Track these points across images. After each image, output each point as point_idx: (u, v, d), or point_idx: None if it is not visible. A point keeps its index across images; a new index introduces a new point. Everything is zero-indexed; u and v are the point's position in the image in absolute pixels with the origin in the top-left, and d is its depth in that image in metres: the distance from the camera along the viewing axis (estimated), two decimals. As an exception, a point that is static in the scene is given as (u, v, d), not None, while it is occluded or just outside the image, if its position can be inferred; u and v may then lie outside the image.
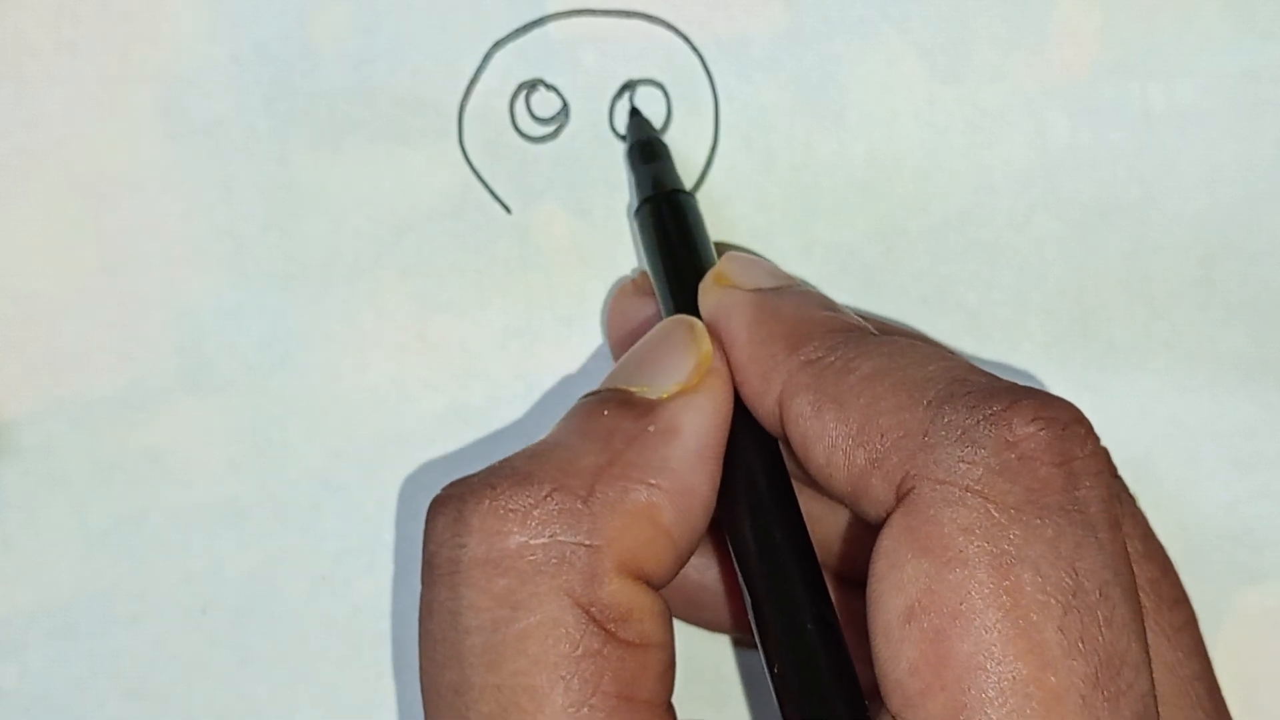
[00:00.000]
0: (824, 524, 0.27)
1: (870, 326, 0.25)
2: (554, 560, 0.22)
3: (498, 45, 0.30)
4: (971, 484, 0.21)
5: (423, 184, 0.31)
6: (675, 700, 0.23)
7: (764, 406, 0.24)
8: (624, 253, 0.31)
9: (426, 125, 0.30)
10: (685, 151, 0.31)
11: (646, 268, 0.29)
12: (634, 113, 0.30)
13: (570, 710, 0.22)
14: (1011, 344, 0.31)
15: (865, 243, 0.31)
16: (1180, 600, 0.26)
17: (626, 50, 0.30)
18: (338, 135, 0.30)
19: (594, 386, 0.31)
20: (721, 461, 0.24)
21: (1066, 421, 0.22)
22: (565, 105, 0.31)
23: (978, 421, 0.22)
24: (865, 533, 0.26)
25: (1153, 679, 0.21)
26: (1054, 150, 0.31)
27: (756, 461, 0.25)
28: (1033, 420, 0.22)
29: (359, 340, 0.31)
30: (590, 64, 0.30)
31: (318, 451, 0.31)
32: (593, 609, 0.22)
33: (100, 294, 0.31)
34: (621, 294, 0.30)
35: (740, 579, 0.24)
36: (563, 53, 0.30)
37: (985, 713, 0.20)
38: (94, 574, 0.31)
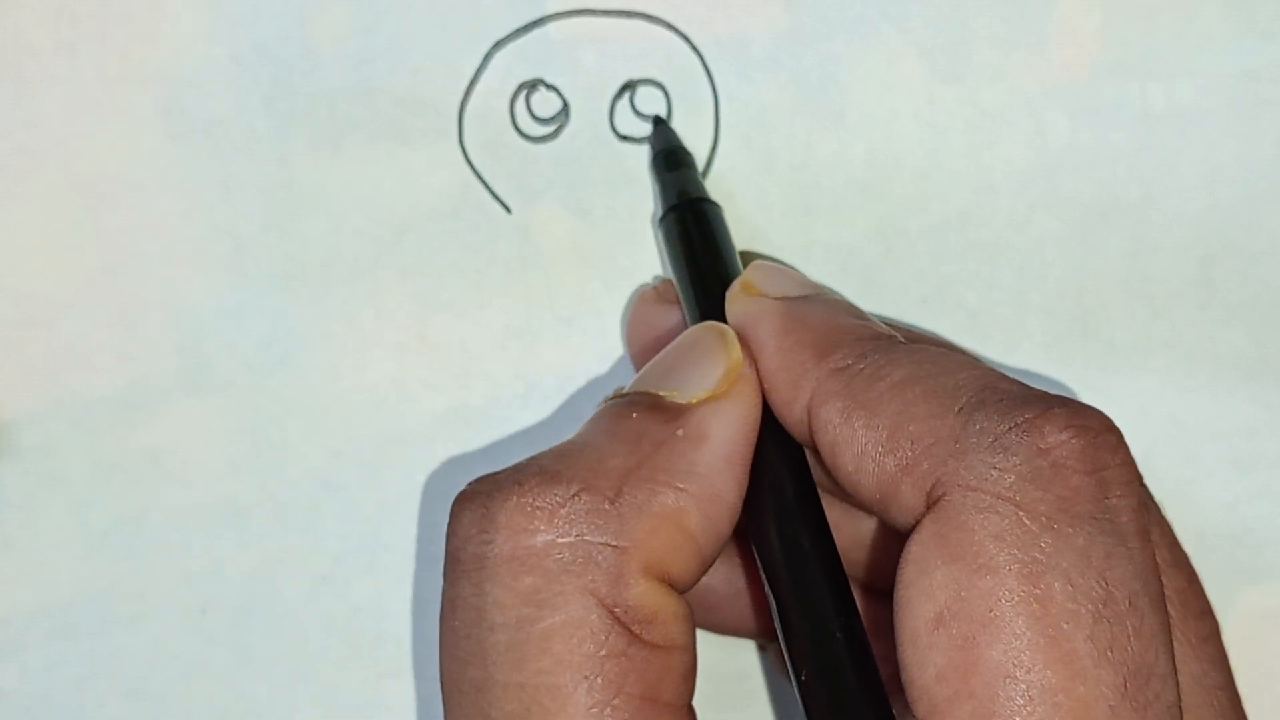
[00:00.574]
0: (845, 532, 0.27)
1: (899, 335, 0.25)
2: (580, 560, 0.22)
3: (498, 45, 0.30)
4: (1003, 491, 0.21)
5: (423, 184, 0.31)
6: (695, 703, 0.23)
7: (792, 414, 0.24)
8: (624, 253, 0.31)
9: (426, 125, 0.30)
10: (685, 151, 0.31)
11: (672, 276, 0.29)
12: (658, 121, 0.30)
13: (593, 710, 0.21)
14: (1011, 344, 0.31)
15: (865, 243, 0.31)
16: (1205, 611, 0.26)
17: (626, 50, 0.30)
18: (338, 135, 0.30)
19: (594, 387, 0.31)
20: (749, 468, 0.24)
21: (1098, 430, 0.22)
22: (565, 105, 0.31)
23: (1009, 429, 0.22)
24: (888, 541, 0.26)
25: (1179, 690, 0.21)
26: (1054, 150, 0.31)
27: (783, 469, 0.25)
28: (1065, 429, 0.22)
29: (359, 340, 0.31)
30: (590, 64, 0.30)
31: (318, 451, 0.31)
32: (617, 610, 0.22)
33: (100, 294, 0.31)
34: (642, 301, 0.30)
35: (766, 586, 0.24)
36: (563, 53, 0.30)
37: None
38: (94, 574, 0.31)
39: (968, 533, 0.21)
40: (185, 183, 0.31)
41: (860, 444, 0.23)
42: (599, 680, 0.22)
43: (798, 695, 0.22)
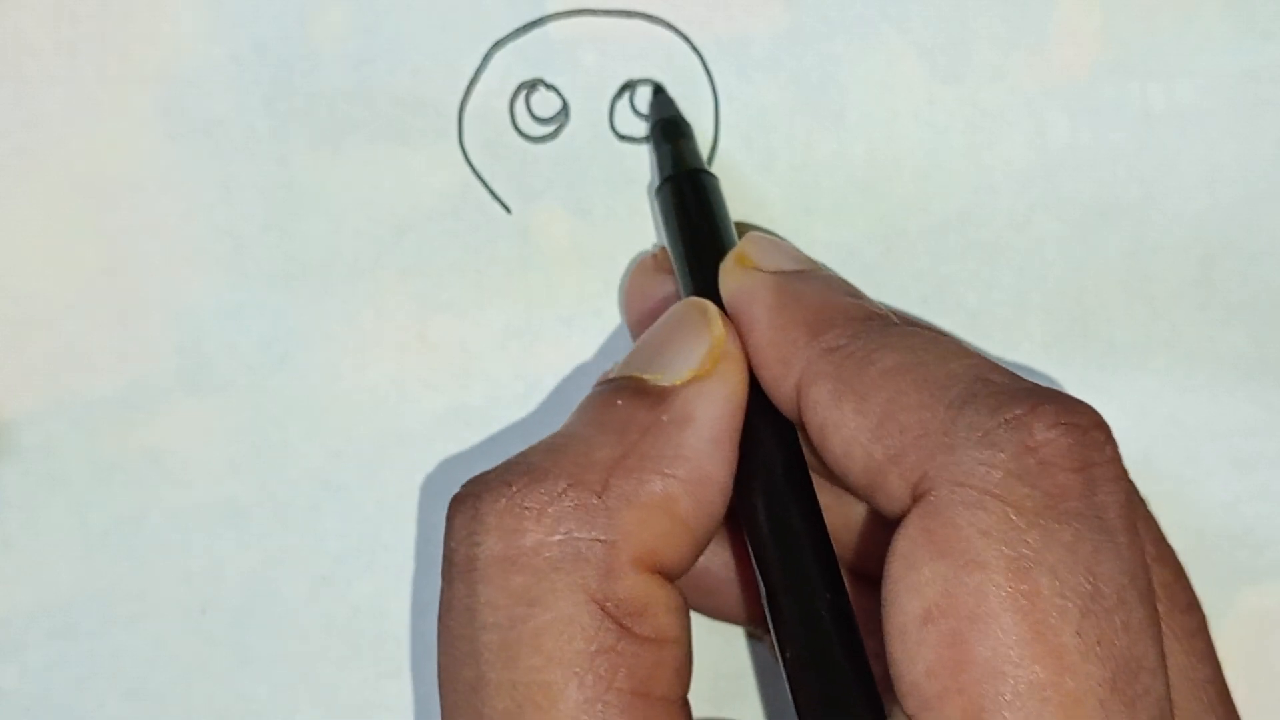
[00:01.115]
0: (835, 515, 0.27)
1: (893, 315, 0.25)
2: (569, 557, 0.22)
3: (498, 45, 0.30)
4: (990, 487, 0.21)
5: (423, 184, 0.31)
6: (691, 696, 0.23)
7: (782, 391, 0.24)
8: (624, 253, 0.31)
9: (426, 125, 0.30)
10: (685, 151, 0.31)
11: (666, 247, 0.29)
12: (658, 90, 0.30)
13: (584, 706, 0.22)
14: (1011, 344, 0.31)
15: (865, 243, 0.31)
16: (1193, 605, 0.26)
17: (626, 50, 0.30)
18: (338, 135, 0.30)
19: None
20: (738, 446, 0.24)
21: (1086, 427, 0.22)
22: (565, 105, 0.31)
23: (998, 424, 0.22)
24: (877, 527, 0.26)
25: (1168, 683, 0.21)
26: (1054, 150, 0.31)
27: (773, 446, 0.24)
28: (1053, 425, 0.22)
29: (359, 340, 0.31)
30: (590, 64, 0.30)
31: (318, 451, 0.31)
32: (608, 605, 0.22)
33: (100, 294, 0.31)
34: (640, 270, 0.29)
35: (754, 564, 0.24)
36: (563, 53, 0.30)
37: (1003, 716, 0.20)
38: (94, 574, 0.31)
39: (955, 529, 0.21)
40: (185, 183, 0.31)
41: (849, 429, 0.23)
42: (589, 676, 0.22)
43: (783, 673, 0.22)
